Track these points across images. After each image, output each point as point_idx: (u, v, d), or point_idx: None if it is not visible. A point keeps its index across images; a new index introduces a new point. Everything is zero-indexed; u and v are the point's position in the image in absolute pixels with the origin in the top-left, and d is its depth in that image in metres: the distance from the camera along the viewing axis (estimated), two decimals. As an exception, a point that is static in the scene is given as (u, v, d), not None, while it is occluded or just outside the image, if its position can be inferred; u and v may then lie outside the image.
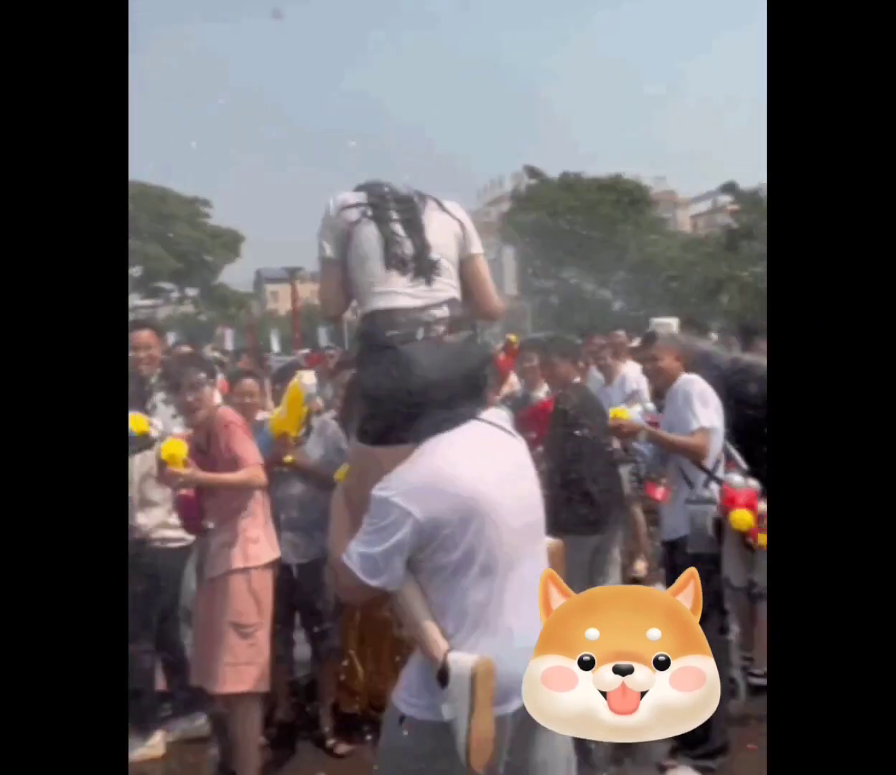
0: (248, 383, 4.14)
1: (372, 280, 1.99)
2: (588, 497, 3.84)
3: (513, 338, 6.62)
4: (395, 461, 1.87)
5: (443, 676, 1.76)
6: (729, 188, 40.15)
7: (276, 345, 19.30)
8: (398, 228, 2.02)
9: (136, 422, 3.26)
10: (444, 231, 2.09)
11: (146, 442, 3.36)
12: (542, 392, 4.73)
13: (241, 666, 3.11)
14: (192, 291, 33.75)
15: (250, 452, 3.18)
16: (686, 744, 3.41)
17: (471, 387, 1.97)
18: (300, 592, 3.69)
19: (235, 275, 34.73)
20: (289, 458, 3.55)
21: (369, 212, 2.04)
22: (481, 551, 1.82)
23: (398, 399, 1.88)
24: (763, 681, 4.17)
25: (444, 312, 1.97)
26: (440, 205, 2.13)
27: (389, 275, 1.98)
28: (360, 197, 2.09)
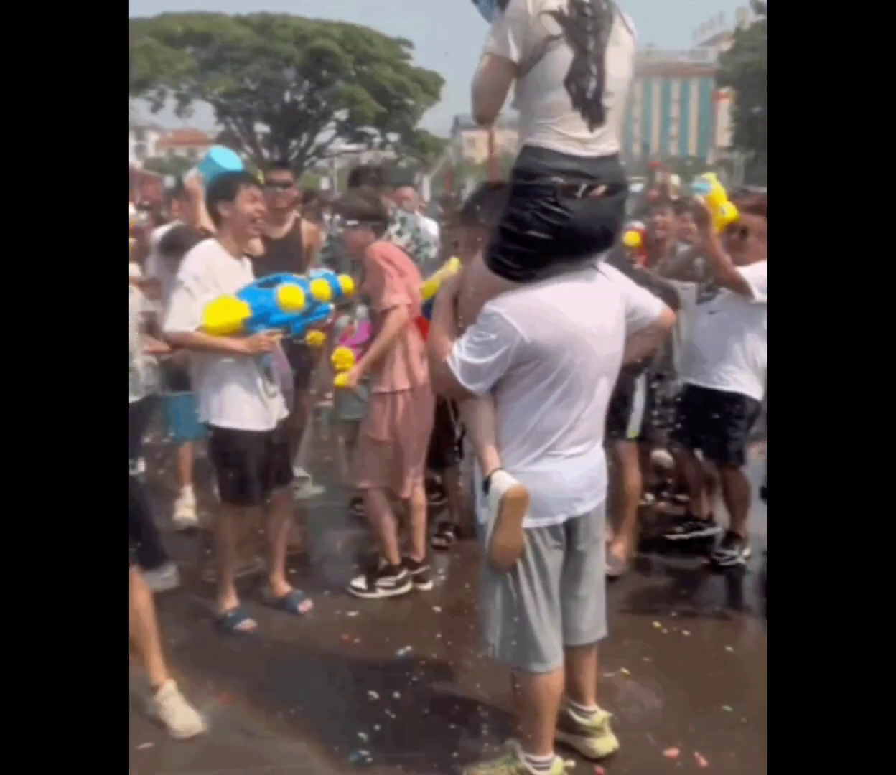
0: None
1: (553, 113, 1.92)
2: None
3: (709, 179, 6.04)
4: (508, 291, 2.04)
5: (486, 485, 2.10)
6: None
7: (471, 193, 19.34)
8: (590, 61, 1.90)
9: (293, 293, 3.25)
10: (625, 57, 1.99)
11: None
12: None
13: (368, 466, 3.69)
14: (393, 137, 34.23)
15: (393, 297, 3.49)
16: None
17: (605, 243, 2.07)
18: None
19: (435, 121, 34.75)
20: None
21: (570, 32, 1.88)
22: (567, 380, 2.06)
23: (538, 244, 1.94)
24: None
25: (607, 169, 1.97)
26: (624, 20, 2.01)
27: (573, 117, 1.92)
28: (561, 1, 1.89)
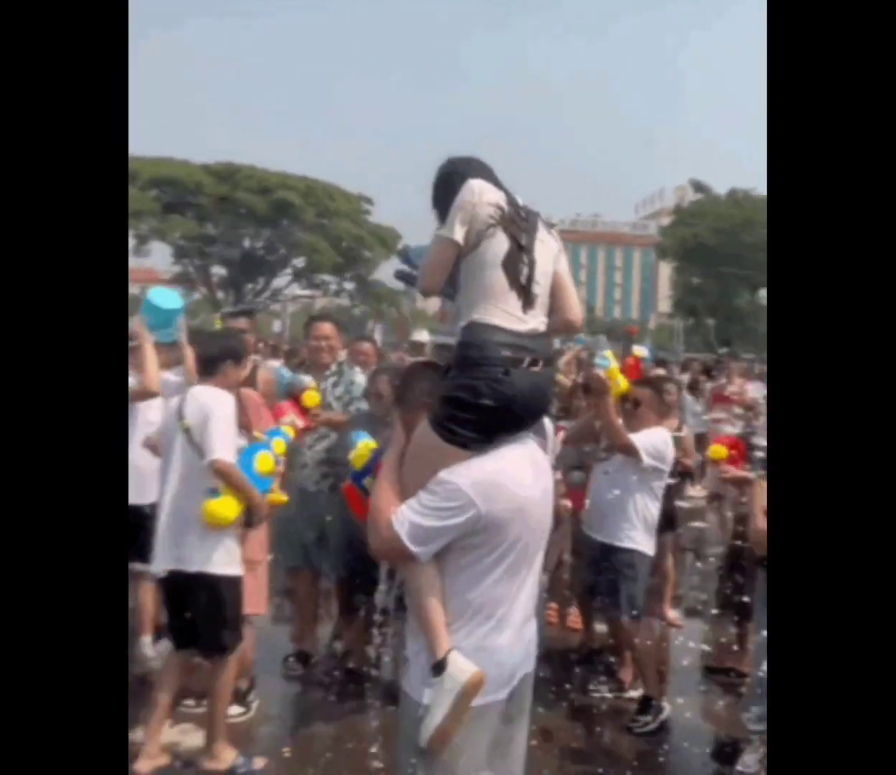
0: (325, 327, 4.54)
1: (493, 291, 2.06)
2: None
3: (639, 353, 6.40)
4: (458, 459, 2.00)
5: (438, 668, 1.94)
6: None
7: (423, 343, 19.72)
8: (522, 252, 2.09)
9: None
10: (547, 255, 2.17)
11: None
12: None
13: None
14: (348, 285, 35.15)
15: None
16: None
17: (541, 414, 2.16)
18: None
19: (390, 273, 35.82)
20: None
21: (508, 221, 2.08)
22: (515, 551, 2.02)
23: (490, 413, 1.99)
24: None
25: (542, 344, 2.10)
26: (544, 224, 2.22)
27: (510, 295, 2.06)
28: (500, 197, 2.10)
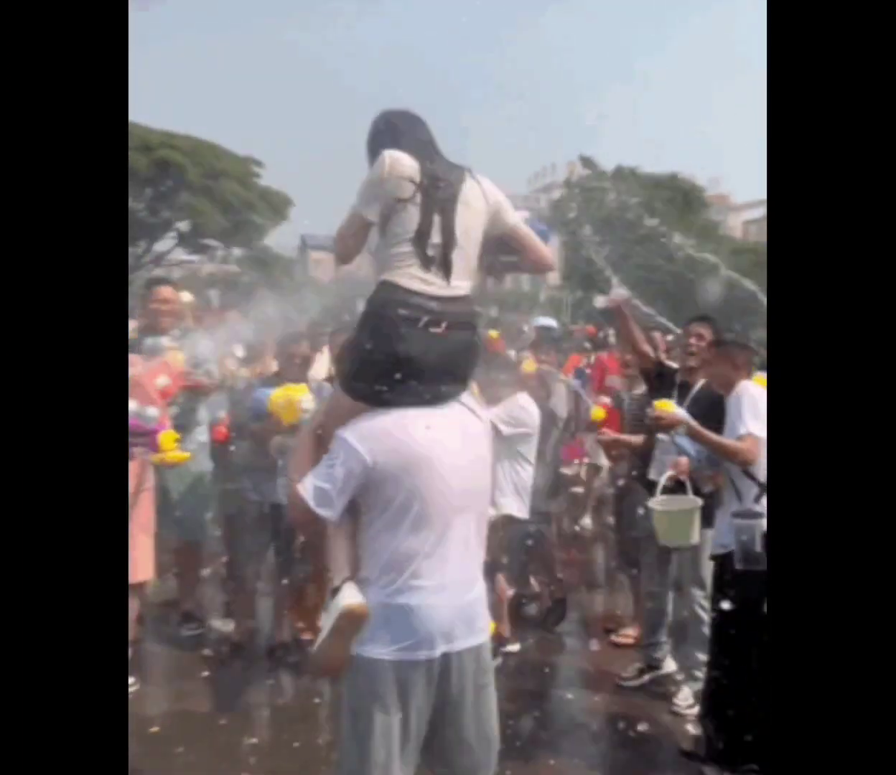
0: (165, 290, 4.54)
1: (403, 261, 2.07)
2: None
3: (493, 333, 6.47)
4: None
5: (333, 593, 2.08)
6: (786, 196, 38.91)
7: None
8: (436, 218, 2.08)
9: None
10: (476, 214, 2.16)
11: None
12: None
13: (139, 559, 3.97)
14: (237, 251, 33.92)
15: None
16: None
17: (455, 378, 2.16)
18: (285, 526, 4.29)
19: (281, 239, 34.87)
20: (276, 439, 4.18)
21: (418, 195, 2.07)
22: (416, 505, 2.05)
23: (384, 369, 2.03)
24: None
25: (454, 308, 2.10)
26: (478, 181, 2.19)
27: (419, 263, 2.08)
28: (414, 167, 2.09)
